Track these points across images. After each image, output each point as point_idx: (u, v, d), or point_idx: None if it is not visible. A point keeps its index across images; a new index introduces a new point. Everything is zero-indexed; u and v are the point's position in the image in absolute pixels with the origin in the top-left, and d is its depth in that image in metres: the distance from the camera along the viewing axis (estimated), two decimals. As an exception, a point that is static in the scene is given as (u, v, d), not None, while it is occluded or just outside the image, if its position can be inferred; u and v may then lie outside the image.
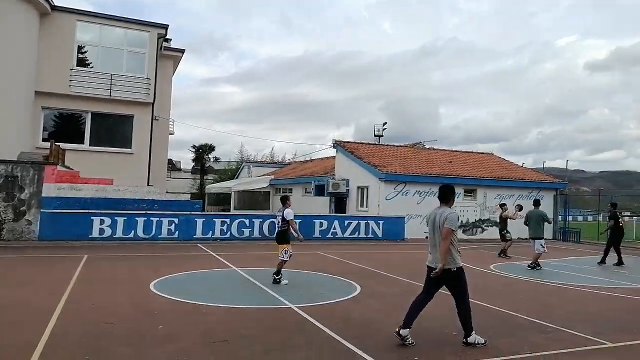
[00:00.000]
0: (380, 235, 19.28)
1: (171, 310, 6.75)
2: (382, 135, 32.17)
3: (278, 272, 8.91)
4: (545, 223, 12.84)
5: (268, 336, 5.59)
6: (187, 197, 22.86)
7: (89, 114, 19.92)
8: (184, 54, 23.53)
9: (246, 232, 17.43)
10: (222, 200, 35.58)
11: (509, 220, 15.41)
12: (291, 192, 30.63)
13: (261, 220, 17.89)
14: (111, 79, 19.78)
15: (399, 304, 7.64)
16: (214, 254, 13.27)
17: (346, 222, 19.13)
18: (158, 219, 16.22)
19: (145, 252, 13.22)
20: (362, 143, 26.91)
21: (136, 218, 15.92)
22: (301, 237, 9.46)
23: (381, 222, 19.51)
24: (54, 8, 19.05)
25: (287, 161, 47.08)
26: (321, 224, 18.48)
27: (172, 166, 50.39)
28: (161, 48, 21.62)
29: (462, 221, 22.14)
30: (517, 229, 17.96)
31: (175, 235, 16.38)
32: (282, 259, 8.95)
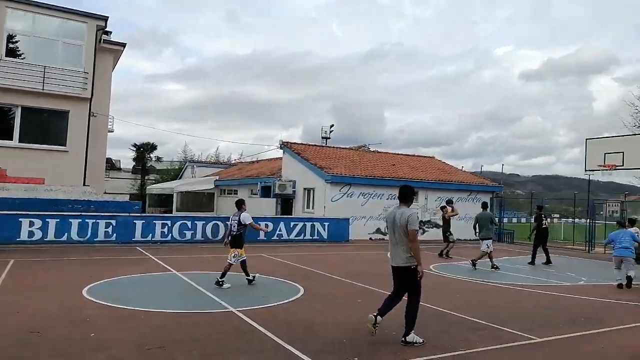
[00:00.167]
0: (325, 237, 19.39)
1: (105, 316, 6.44)
2: (329, 137, 32.42)
3: (223, 275, 8.78)
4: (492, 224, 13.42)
5: (207, 341, 5.46)
6: (126, 197, 21.98)
7: (19, 108, 18.65)
8: (126, 48, 22.61)
9: (188, 234, 16.98)
10: (164, 201, 34.55)
11: (452, 221, 15.91)
12: (237, 194, 30.22)
13: (204, 222, 17.49)
14: (44, 72, 18.64)
15: (341, 305, 7.72)
16: (153, 257, 12.83)
17: (292, 224, 19.09)
18: (94, 220, 15.46)
19: (79, 256, 12.56)
20: (309, 145, 26.99)
21: (70, 220, 15.10)
22: (269, 229, 9.33)
23: (327, 224, 19.63)
24: (-19, -6, 17.75)
25: (232, 162, 46.42)
26: (267, 226, 18.31)
27: (111, 165, 48.24)
28: (100, 41, 20.65)
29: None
30: (459, 230, 18.66)
31: (113, 238, 15.68)
32: (230, 262, 8.90)
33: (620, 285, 10.44)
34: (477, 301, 8.51)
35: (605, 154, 16.32)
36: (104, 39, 21.18)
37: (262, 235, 18.06)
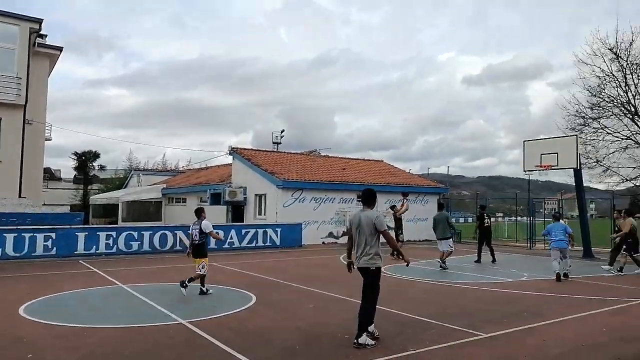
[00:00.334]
0: (278, 243, 19.26)
1: (44, 335, 6.07)
2: (280, 143, 32.35)
3: (191, 280, 8.79)
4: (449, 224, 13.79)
5: (156, 355, 5.27)
6: (67, 209, 20.91)
7: (-55, 117, 17.39)
8: (63, 52, 21.62)
9: (135, 245, 16.35)
10: (108, 211, 33.20)
11: (403, 221, 16.20)
12: (185, 202, 29.48)
13: (151, 232, 16.91)
14: (-27, 78, 17.48)
15: (294, 311, 7.67)
16: (98, 270, 12.26)
17: (243, 231, 18.83)
18: (31, 234, 14.59)
19: (15, 273, 11.80)
20: (260, 150, 26.79)
21: (4, 234, 14.17)
22: (222, 238, 9.23)
23: (279, 230, 19.51)
24: None
25: (180, 169, 45.29)
26: (218, 234, 17.93)
27: (51, 175, 45.91)
28: (35, 44, 19.62)
29: (356, 226, 22.95)
30: (408, 231, 19.08)
31: (53, 252, 14.85)
32: (200, 273, 8.83)
33: (558, 277, 11.11)
34: (427, 301, 8.71)
35: (541, 154, 17.20)
36: (38, 43, 20.16)
37: (213, 244, 17.73)
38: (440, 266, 13.12)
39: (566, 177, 19.73)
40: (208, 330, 6.29)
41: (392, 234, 12.35)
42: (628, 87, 18.88)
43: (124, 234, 16.37)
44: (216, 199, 23.63)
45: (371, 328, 5.85)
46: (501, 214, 46.56)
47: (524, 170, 18.37)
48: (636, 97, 18.83)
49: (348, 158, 30.08)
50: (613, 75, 19.19)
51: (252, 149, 26.33)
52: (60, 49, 21.48)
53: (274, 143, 32.07)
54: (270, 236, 19.21)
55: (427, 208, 25.43)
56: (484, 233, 15.07)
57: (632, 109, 18.85)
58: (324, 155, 29.17)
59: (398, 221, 16.20)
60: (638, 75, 18.77)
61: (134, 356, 5.21)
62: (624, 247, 12.63)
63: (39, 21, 19.08)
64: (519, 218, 29.71)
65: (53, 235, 14.95)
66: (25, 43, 18.70)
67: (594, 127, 19.87)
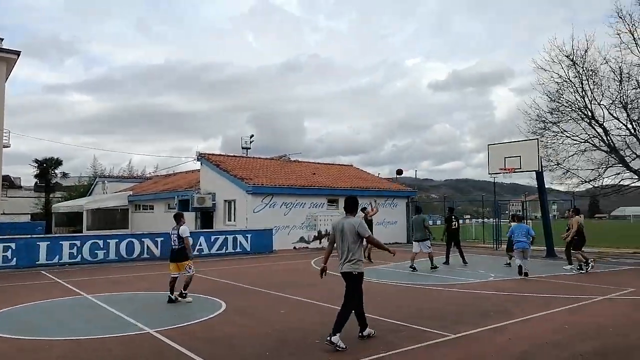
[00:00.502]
0: (248, 249, 19.10)
1: (5, 350, 5.84)
2: (249, 148, 32.18)
3: (185, 288, 8.81)
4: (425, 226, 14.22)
5: (122, 367, 5.13)
6: (28, 218, 20.18)
7: None
8: (21, 56, 20.92)
9: (100, 254, 15.91)
10: (72, 220, 32.22)
11: (374, 224, 16.33)
12: (152, 209, 28.92)
13: (118, 240, 16.50)
14: None
15: (264, 317, 7.63)
16: (61, 281, 11.88)
17: (212, 237, 18.58)
18: (-11, 245, 14.01)
19: (-29, 285, 11.29)
20: (228, 155, 26.53)
21: (-40, 245, 13.57)
22: (191, 255, 9.20)
23: (249, 236, 19.35)
24: None
25: (147, 175, 44.38)
26: (174, 240, 17.57)
27: (10, 183, 44.27)
28: (-9, 49, 18.92)
29: (326, 230, 23.00)
30: (380, 233, 19.23)
31: (13, 263, 14.31)
32: (189, 274, 8.85)
33: (520, 270, 12.08)
34: (397, 303, 8.81)
35: (505, 158, 17.67)
36: (-5, 47, 19.45)
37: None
38: (411, 266, 13.37)
39: (529, 180, 20.29)
40: (176, 339, 6.18)
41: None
42: (584, 93, 19.61)
43: (89, 242, 15.91)
44: (184, 206, 23.25)
45: (367, 331, 6.10)
46: (468, 216, 47.53)
47: (489, 173, 18.81)
48: (592, 102, 19.58)
49: (318, 163, 30.16)
50: (570, 81, 19.90)
51: (220, 155, 26.05)
52: (17, 52, 20.79)
53: (243, 148, 31.90)
54: (240, 242, 19.03)
55: (396, 211, 25.75)
56: (452, 235, 15.35)
57: (589, 114, 19.58)
58: (294, 160, 29.15)
59: (369, 223, 16.34)
60: (593, 81, 19.54)
61: (100, 368, 5.06)
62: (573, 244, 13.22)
63: (-5, 24, 18.43)
64: (485, 220, 30.39)
65: (13, 245, 14.41)
66: (-19, 46, 18.02)
67: (554, 131, 20.51)
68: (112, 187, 35.56)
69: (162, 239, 17.37)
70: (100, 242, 16.09)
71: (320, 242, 22.68)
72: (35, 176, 45.50)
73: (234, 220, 21.75)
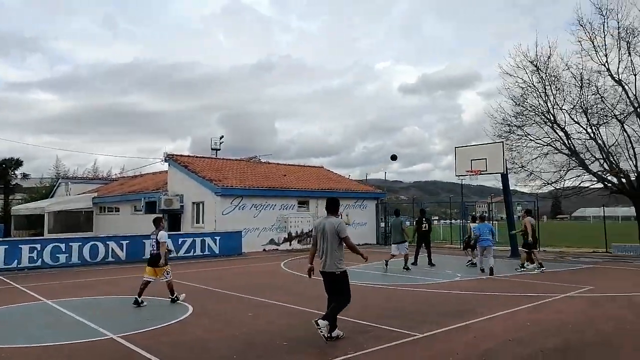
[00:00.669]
0: (217, 252, 18.85)
1: (-46, 360, 5.56)
2: (219, 149, 31.78)
3: (172, 292, 8.86)
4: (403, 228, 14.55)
5: (82, 374, 4.96)
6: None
7: None
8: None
9: (62, 258, 15.41)
10: (33, 223, 31.11)
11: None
12: (118, 211, 28.22)
13: (81, 243, 16.01)
14: None
15: (232, 321, 7.53)
16: (19, 286, 11.43)
17: (180, 240, 18.27)
18: (-58, 249, 13.37)
19: None
20: (197, 156, 26.15)
21: None
22: (162, 262, 9.02)
23: (218, 238, 19.11)
24: None
25: (113, 177, 43.29)
26: (152, 245, 17.18)
27: (-34, 185, 42.27)
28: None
29: (297, 231, 22.98)
30: (355, 235, 19.28)
31: (-32, 268, 13.69)
32: (168, 279, 8.93)
33: (482, 270, 12.97)
34: (365, 304, 8.84)
35: (471, 160, 18.06)
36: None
37: (147, 254, 17.06)
38: (386, 265, 13.71)
39: (495, 181, 20.78)
40: (140, 343, 6.03)
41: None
42: (547, 97, 20.27)
43: (50, 246, 15.40)
44: (151, 208, 22.76)
45: (335, 333, 6.11)
46: (437, 217, 48.36)
47: (456, 175, 19.19)
48: (554, 107, 20.25)
49: (289, 164, 30.10)
50: (534, 86, 20.53)
51: (189, 156, 25.66)
52: (-24, 48, 19.92)
53: (213, 149, 31.47)
54: (208, 245, 18.78)
55: (365, 213, 25.94)
56: (422, 236, 15.54)
57: (551, 118, 20.23)
58: (264, 162, 28.99)
59: None
60: (556, 87, 20.21)
61: (59, 376, 4.89)
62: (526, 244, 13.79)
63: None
64: (453, 221, 30.98)
65: (-32, 249, 13.78)
66: None
67: (518, 135, 21.10)
68: (76, 189, 34.54)
69: (127, 241, 17.00)
70: (62, 246, 15.58)
71: (290, 244, 22.63)
72: (-6, 177, 43.70)
73: (202, 223, 21.44)
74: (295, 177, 26.01)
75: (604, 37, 19.00)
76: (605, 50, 19.02)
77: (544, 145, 20.70)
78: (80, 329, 6.98)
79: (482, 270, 13.04)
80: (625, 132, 19.25)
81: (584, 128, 20.08)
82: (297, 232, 23.00)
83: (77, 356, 5.64)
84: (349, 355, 5.50)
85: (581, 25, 19.43)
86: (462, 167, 18.48)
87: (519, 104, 21.10)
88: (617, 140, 19.56)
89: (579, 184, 20.94)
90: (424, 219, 15.80)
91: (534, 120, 20.80)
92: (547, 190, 22.75)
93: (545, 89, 20.31)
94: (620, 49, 18.74)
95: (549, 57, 20.09)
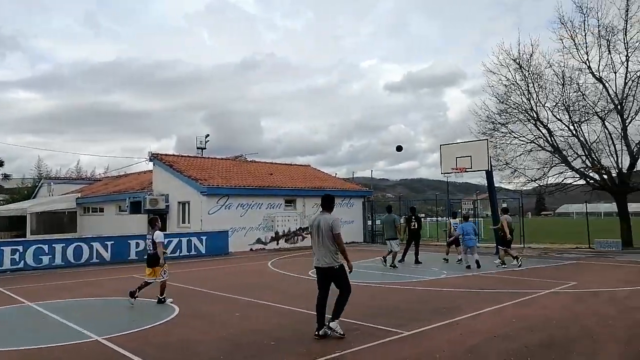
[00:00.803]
0: (203, 252, 18.74)
1: None
2: (204, 148, 31.58)
3: (162, 293, 8.79)
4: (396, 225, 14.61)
5: (66, 378, 4.89)
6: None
7: None
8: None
9: (45, 259, 15.17)
10: (15, 224, 30.55)
11: None
12: (103, 212, 27.87)
13: (64, 244, 15.78)
14: None
15: (219, 321, 7.49)
16: (1, 289, 11.20)
17: (166, 240, 18.04)
18: None
19: None
20: (182, 156, 25.92)
21: None
22: (162, 261, 8.93)
23: (204, 238, 18.99)
24: None
25: (97, 177, 42.75)
26: (137, 245, 17.04)
27: (-55, 186, 41.36)
28: None
29: (284, 230, 22.93)
30: (344, 232, 19.29)
31: (-53, 271, 13.41)
32: (163, 279, 8.87)
33: (469, 267, 13.32)
34: (351, 301, 8.76)
35: (456, 158, 18.19)
36: None
37: (133, 255, 16.90)
38: (384, 261, 14.02)
39: (480, 179, 20.99)
40: (125, 345, 5.96)
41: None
42: (530, 95, 20.54)
43: (33, 247, 15.15)
44: (136, 208, 22.52)
45: (322, 331, 6.16)
46: (423, 215, 48.66)
47: (442, 173, 19.31)
48: (537, 105, 20.53)
49: (275, 163, 30.01)
50: (517, 84, 20.79)
51: (174, 155, 25.42)
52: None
53: (198, 148, 31.27)
54: (195, 245, 18.66)
55: (352, 211, 25.98)
56: (411, 234, 15.59)
57: (535, 115, 20.51)
58: (250, 161, 28.88)
59: None
60: (538, 84, 20.49)
61: (42, 380, 4.81)
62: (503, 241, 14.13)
63: None
64: (439, 218, 31.20)
65: (-53, 252, 13.49)
66: None
67: (502, 132, 21.35)
68: (59, 189, 34.03)
69: (112, 242, 16.81)
70: (45, 247, 15.34)
71: (277, 244, 22.58)
72: (-26, 178, 42.83)
73: (188, 223, 21.27)
74: (282, 176, 25.94)
75: (585, 35, 19.34)
76: (586, 48, 19.36)
77: (527, 143, 20.98)
78: (64, 331, 6.88)
79: (469, 267, 13.27)
80: (606, 129, 19.61)
81: (566, 125, 20.41)
82: (284, 231, 22.95)
83: (61, 359, 5.56)
84: (336, 354, 5.50)
85: (562, 24, 19.75)
86: (447, 164, 18.61)
87: (502, 102, 21.36)
88: (598, 137, 19.93)
89: (562, 181, 21.27)
90: (413, 217, 15.85)
91: (518, 118, 21.07)
92: (531, 187, 23.06)
93: (528, 86, 20.59)
94: (600, 47, 19.09)
95: (531, 55, 20.37)
